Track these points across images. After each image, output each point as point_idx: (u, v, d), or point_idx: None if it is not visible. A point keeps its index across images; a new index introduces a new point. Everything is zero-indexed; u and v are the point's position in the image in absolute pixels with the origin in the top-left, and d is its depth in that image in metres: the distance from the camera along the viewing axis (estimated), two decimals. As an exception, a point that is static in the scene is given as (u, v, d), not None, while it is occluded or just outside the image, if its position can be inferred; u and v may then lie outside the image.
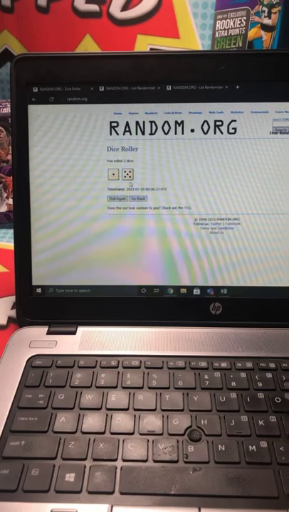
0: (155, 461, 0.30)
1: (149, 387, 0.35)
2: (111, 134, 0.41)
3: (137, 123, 0.40)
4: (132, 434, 0.32)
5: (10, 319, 0.46)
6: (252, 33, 0.62)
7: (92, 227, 0.41)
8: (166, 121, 0.40)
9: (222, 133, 0.40)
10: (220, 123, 0.40)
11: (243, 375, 0.36)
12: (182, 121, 0.40)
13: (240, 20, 0.63)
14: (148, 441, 0.31)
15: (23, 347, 0.39)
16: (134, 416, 0.33)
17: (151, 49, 0.74)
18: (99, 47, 0.75)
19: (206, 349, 0.39)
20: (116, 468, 0.29)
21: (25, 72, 0.40)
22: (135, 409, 0.33)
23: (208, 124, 0.40)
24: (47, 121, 0.40)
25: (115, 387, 0.35)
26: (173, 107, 0.40)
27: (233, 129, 0.40)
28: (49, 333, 0.41)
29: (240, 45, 0.64)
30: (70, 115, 0.40)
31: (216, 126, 0.40)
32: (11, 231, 0.62)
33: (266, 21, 0.59)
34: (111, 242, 0.42)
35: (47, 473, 0.29)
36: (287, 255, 0.42)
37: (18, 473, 0.29)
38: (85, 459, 0.30)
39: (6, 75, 0.79)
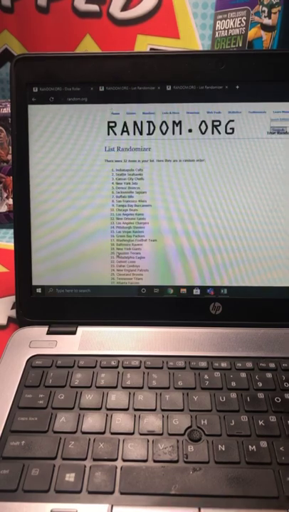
0: (155, 461, 0.30)
1: (149, 387, 0.35)
2: (109, 134, 0.41)
3: (135, 123, 0.40)
4: (132, 434, 0.32)
5: (10, 319, 0.46)
6: (252, 33, 0.62)
7: (91, 227, 0.41)
8: (163, 122, 0.40)
9: (220, 133, 0.40)
10: (218, 123, 0.40)
11: (243, 375, 0.36)
12: (180, 122, 0.40)
13: (240, 20, 0.63)
14: (148, 441, 0.31)
15: (23, 347, 0.39)
16: (134, 416, 0.33)
17: (151, 49, 0.74)
18: (99, 47, 0.75)
19: (206, 349, 0.39)
20: (116, 468, 0.29)
21: (25, 72, 0.40)
22: (135, 409, 0.33)
23: (205, 124, 0.40)
24: (47, 121, 0.40)
25: (115, 387, 0.35)
26: (170, 107, 0.40)
27: (230, 129, 0.40)
28: (49, 333, 0.41)
29: (240, 45, 0.64)
30: (69, 115, 0.40)
31: (213, 126, 0.40)
32: (11, 231, 0.62)
33: (266, 21, 0.59)
34: (110, 241, 0.42)
35: (47, 473, 0.29)
36: (287, 255, 0.42)
37: (18, 473, 0.29)
38: (85, 459, 0.30)
39: (6, 75, 0.79)
